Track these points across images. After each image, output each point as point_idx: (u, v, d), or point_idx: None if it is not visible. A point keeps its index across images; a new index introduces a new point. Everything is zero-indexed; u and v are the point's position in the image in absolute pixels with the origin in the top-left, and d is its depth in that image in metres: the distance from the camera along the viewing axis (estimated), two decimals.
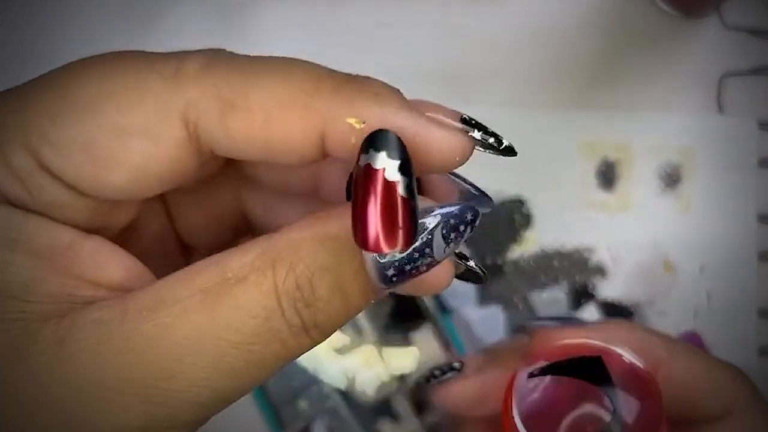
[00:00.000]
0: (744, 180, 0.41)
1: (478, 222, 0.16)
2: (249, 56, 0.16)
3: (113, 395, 0.14)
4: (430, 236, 0.15)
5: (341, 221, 0.15)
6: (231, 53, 0.16)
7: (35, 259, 0.15)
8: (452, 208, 0.15)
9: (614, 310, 0.41)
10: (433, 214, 0.15)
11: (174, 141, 0.15)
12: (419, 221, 0.14)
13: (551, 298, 0.41)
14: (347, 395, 0.39)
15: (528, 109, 0.42)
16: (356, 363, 0.39)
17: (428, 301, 0.39)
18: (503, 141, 0.16)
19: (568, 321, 0.22)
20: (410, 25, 0.42)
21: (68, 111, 0.15)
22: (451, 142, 0.15)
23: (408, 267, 0.15)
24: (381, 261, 0.14)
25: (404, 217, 0.14)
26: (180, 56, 0.15)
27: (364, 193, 0.14)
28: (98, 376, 0.14)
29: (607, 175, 0.41)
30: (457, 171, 0.19)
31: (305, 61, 0.16)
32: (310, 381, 0.39)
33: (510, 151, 0.16)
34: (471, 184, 0.18)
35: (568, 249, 0.41)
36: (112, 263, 0.16)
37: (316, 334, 0.15)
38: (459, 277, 0.18)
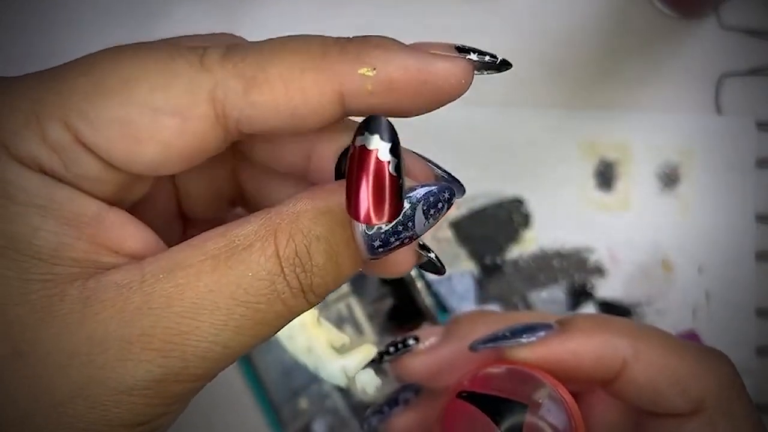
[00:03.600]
0: (742, 180, 0.41)
1: (453, 201, 0.17)
2: (261, 41, 0.17)
3: (135, 349, 0.15)
4: (412, 211, 0.16)
5: (335, 197, 0.17)
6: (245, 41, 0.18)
7: (64, 225, 0.16)
8: (432, 188, 0.17)
9: (613, 310, 0.41)
10: (415, 192, 0.17)
11: (203, 120, 0.16)
12: (404, 198, 0.16)
13: (550, 298, 0.41)
14: (347, 394, 0.39)
15: (528, 109, 0.42)
16: (356, 362, 0.39)
17: (428, 301, 0.39)
18: (497, 56, 0.17)
19: (525, 333, 0.21)
20: (408, 25, 0.42)
21: (103, 93, 0.16)
22: (453, 67, 0.17)
23: (392, 239, 0.16)
24: (369, 233, 0.16)
25: (391, 193, 0.16)
26: (204, 46, 0.17)
27: (358, 170, 0.15)
28: (121, 333, 0.15)
29: (606, 175, 0.41)
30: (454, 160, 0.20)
31: (310, 35, 0.17)
32: (311, 380, 0.39)
33: (506, 64, 0.18)
34: (445, 171, 0.20)
35: (567, 249, 0.41)
36: (132, 234, 0.17)
37: (312, 296, 0.17)
38: (421, 266, 0.20)
